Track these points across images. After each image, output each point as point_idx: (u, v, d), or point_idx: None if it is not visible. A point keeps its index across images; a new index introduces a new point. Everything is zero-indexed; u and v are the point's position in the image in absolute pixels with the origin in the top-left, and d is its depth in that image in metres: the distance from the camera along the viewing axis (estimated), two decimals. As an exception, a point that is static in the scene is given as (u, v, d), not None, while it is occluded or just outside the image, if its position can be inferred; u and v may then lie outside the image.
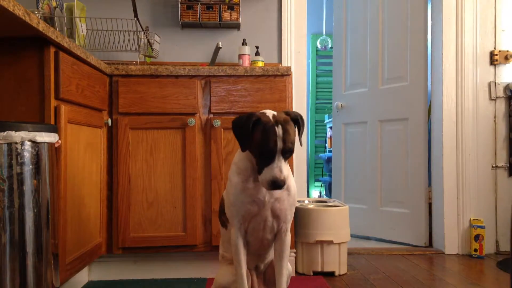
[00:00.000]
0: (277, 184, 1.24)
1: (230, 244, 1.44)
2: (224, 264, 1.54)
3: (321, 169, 5.21)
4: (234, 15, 2.63)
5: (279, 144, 1.26)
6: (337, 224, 2.26)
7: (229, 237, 1.46)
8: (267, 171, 1.26)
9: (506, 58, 2.77)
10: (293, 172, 2.27)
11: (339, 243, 2.26)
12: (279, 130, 1.26)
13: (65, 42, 1.56)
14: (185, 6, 2.61)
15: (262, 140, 1.27)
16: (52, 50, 1.52)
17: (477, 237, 2.65)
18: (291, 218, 1.45)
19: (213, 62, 2.57)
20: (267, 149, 1.26)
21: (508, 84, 2.77)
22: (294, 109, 2.56)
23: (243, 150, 1.33)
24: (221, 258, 1.57)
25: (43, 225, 1.27)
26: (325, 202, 2.56)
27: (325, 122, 5.07)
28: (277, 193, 1.37)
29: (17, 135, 1.18)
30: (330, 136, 4.78)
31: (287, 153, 1.28)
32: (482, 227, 2.65)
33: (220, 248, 1.57)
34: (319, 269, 2.25)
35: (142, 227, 2.08)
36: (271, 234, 1.43)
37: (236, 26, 2.73)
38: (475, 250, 2.65)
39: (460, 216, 2.74)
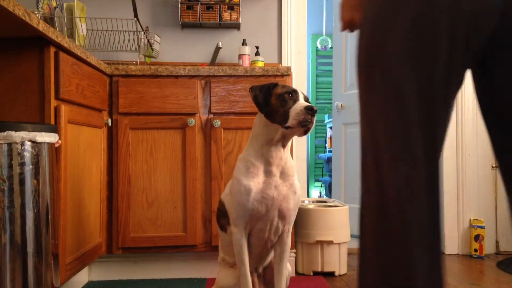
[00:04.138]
0: (312, 108, 1.28)
1: (232, 247, 1.43)
2: (226, 267, 1.52)
3: (321, 169, 5.22)
4: (234, 15, 2.63)
5: (299, 91, 1.37)
6: (337, 224, 2.26)
7: (229, 240, 1.45)
8: (296, 106, 1.31)
9: (506, 58, 2.77)
10: (293, 172, 2.27)
11: (339, 243, 2.26)
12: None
13: (65, 42, 1.56)
14: (185, 6, 2.61)
15: (284, 89, 1.36)
16: (52, 50, 1.52)
17: (477, 237, 2.65)
18: (294, 219, 1.45)
19: (213, 62, 2.57)
20: (291, 89, 1.35)
21: (508, 84, 2.77)
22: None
23: (263, 110, 1.36)
24: (221, 261, 1.55)
25: (43, 225, 1.27)
26: (325, 202, 2.56)
27: (325, 122, 5.07)
28: (284, 190, 1.37)
29: (17, 135, 1.18)
30: (330, 136, 4.78)
31: (307, 101, 1.37)
32: (482, 227, 2.65)
33: (220, 252, 1.56)
34: (319, 269, 2.25)
35: (142, 227, 2.08)
36: (275, 236, 1.42)
37: (236, 26, 2.73)
38: (475, 250, 2.65)
39: (460, 216, 2.74)
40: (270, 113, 1.35)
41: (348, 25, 1.01)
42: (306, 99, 1.38)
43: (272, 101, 1.35)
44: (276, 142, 1.36)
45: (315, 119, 1.30)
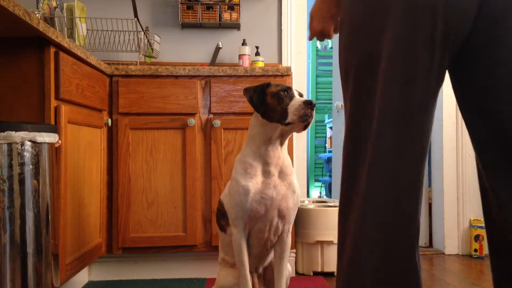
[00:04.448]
0: (311, 102, 1.28)
1: (231, 247, 1.42)
2: (226, 267, 1.52)
3: (321, 169, 5.22)
4: (234, 15, 2.62)
5: (293, 88, 1.37)
6: (337, 225, 2.25)
7: (229, 241, 1.45)
8: (294, 102, 1.31)
9: (506, 58, 2.77)
10: (293, 172, 2.27)
11: (339, 243, 2.26)
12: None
13: (65, 42, 1.56)
14: (185, 6, 2.61)
15: (278, 87, 1.36)
16: (52, 50, 1.52)
17: (477, 237, 2.65)
18: (294, 218, 1.45)
19: (213, 62, 2.57)
20: (285, 87, 1.35)
21: (508, 84, 2.77)
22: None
23: (259, 110, 1.36)
24: (221, 261, 1.55)
25: (43, 225, 1.27)
26: (325, 202, 2.56)
27: (325, 122, 5.07)
28: (283, 189, 1.37)
29: (17, 135, 1.18)
30: (330, 136, 4.79)
31: (301, 96, 1.37)
32: (482, 227, 2.65)
33: (220, 252, 1.56)
34: (319, 269, 2.25)
35: (142, 227, 2.08)
36: (275, 236, 1.42)
37: (236, 26, 2.73)
38: (475, 250, 2.65)
39: (460, 216, 2.74)
40: (267, 112, 1.35)
41: (318, 35, 1.03)
42: (301, 95, 1.39)
43: (268, 100, 1.35)
44: (274, 140, 1.36)
45: (314, 112, 1.30)
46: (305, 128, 1.32)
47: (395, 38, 0.79)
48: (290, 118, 1.29)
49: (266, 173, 1.37)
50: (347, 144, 0.89)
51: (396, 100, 0.80)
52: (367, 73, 0.83)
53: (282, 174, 1.39)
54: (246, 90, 1.41)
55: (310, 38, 1.08)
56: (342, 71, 0.90)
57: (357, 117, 0.86)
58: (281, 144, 1.39)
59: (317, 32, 1.02)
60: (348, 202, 0.89)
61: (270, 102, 1.35)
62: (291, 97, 1.33)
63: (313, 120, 1.32)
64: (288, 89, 1.35)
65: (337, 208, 2.44)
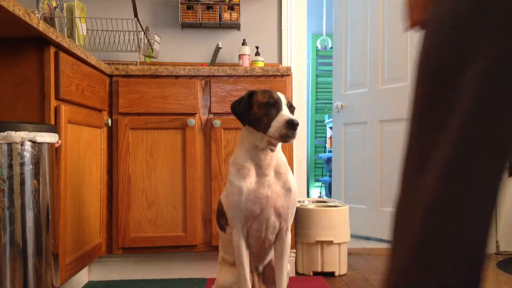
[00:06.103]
0: (293, 122, 1.26)
1: (231, 246, 1.43)
2: (226, 266, 1.53)
3: (321, 169, 5.22)
4: (234, 15, 2.63)
5: (282, 97, 1.35)
6: (337, 224, 2.26)
7: (229, 240, 1.45)
8: (278, 118, 1.29)
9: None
10: (293, 172, 2.27)
11: (339, 243, 2.26)
12: (276, 92, 1.38)
13: (65, 42, 1.56)
14: (185, 6, 2.61)
15: (265, 96, 1.35)
16: (52, 50, 1.52)
17: (477, 237, 2.64)
18: (292, 217, 1.45)
19: (213, 62, 2.57)
20: (273, 98, 1.34)
21: (508, 84, 2.76)
22: (294, 109, 2.55)
23: (244, 123, 1.37)
24: (221, 260, 1.56)
25: (43, 225, 1.27)
26: (325, 202, 2.56)
27: (325, 122, 5.07)
28: (278, 188, 1.38)
29: (17, 135, 1.18)
30: (330, 136, 4.79)
31: (291, 107, 1.37)
32: (482, 227, 2.64)
33: (220, 251, 1.57)
34: (319, 269, 2.25)
35: (142, 227, 2.08)
36: (273, 235, 1.42)
37: (236, 26, 2.73)
38: (475, 250, 2.64)
39: (460, 216, 2.74)
40: (254, 121, 1.36)
41: (419, 25, 0.93)
42: (290, 105, 1.38)
43: (254, 109, 1.36)
44: (262, 147, 1.37)
45: (296, 132, 1.29)
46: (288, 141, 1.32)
47: (506, 39, 0.68)
48: (272, 134, 1.29)
49: (260, 174, 1.38)
50: (414, 144, 0.79)
51: (494, 110, 0.71)
52: (458, 78, 0.73)
53: (276, 173, 1.40)
54: (231, 106, 1.42)
55: (409, 29, 0.97)
56: (424, 73, 0.79)
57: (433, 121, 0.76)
58: (272, 150, 1.39)
59: (417, 23, 0.93)
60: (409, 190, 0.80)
61: (256, 112, 1.35)
62: (278, 110, 1.32)
63: (295, 138, 1.31)
64: (277, 101, 1.34)
65: (337, 208, 2.44)
